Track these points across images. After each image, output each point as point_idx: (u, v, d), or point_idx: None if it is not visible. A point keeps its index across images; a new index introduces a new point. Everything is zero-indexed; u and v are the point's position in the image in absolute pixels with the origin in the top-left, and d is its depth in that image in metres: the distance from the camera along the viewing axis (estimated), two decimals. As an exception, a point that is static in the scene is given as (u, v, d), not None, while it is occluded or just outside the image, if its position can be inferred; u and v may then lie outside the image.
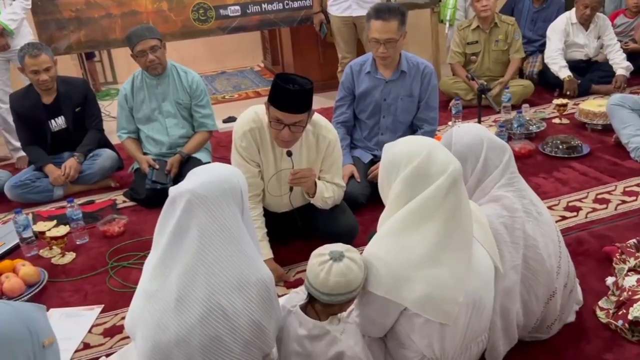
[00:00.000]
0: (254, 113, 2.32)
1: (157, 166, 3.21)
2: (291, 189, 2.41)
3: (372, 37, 2.82)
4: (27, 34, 3.87)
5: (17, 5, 3.74)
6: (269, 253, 2.36)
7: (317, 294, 1.57)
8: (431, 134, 3.04)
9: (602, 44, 4.54)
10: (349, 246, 1.62)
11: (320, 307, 1.62)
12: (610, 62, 4.48)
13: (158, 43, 3.18)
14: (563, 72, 4.43)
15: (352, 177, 2.95)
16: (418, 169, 1.54)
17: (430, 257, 1.53)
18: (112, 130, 3.60)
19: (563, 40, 4.51)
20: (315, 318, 1.62)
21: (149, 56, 3.14)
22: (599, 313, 2.02)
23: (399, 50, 2.91)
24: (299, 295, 1.75)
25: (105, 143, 3.56)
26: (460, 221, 1.57)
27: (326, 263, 1.54)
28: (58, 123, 3.37)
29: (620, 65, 4.39)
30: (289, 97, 2.10)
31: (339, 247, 1.59)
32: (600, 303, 2.06)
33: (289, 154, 2.28)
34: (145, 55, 3.14)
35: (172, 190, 1.52)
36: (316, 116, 2.35)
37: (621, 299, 1.97)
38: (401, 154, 1.58)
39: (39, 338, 1.17)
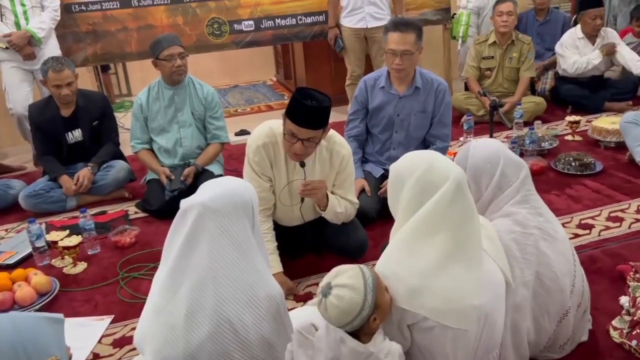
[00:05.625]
0: (268, 128, 2.32)
1: (172, 177, 3.24)
2: (302, 200, 2.40)
3: (388, 49, 2.84)
4: (54, 47, 3.92)
5: (46, 15, 3.81)
6: (278, 267, 2.35)
7: (337, 328, 1.48)
8: (443, 150, 3.04)
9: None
10: (340, 268, 1.51)
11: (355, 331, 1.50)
12: (623, 62, 4.45)
13: (184, 52, 3.27)
14: (594, 56, 4.40)
15: (362, 191, 2.95)
16: (421, 179, 1.56)
17: (442, 265, 1.53)
18: (125, 141, 3.64)
19: (577, 54, 4.50)
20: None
21: (177, 61, 3.21)
22: (613, 333, 1.99)
23: (414, 64, 2.92)
24: (304, 312, 1.75)
25: (120, 155, 3.59)
26: (469, 229, 1.57)
27: (320, 302, 1.47)
28: (75, 135, 3.41)
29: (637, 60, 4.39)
30: (306, 113, 2.10)
31: (330, 275, 1.50)
32: (613, 322, 2.03)
33: (302, 164, 2.28)
34: (174, 59, 3.20)
35: (184, 203, 1.52)
36: (331, 132, 2.34)
37: (635, 318, 1.95)
38: (404, 168, 1.61)
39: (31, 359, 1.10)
